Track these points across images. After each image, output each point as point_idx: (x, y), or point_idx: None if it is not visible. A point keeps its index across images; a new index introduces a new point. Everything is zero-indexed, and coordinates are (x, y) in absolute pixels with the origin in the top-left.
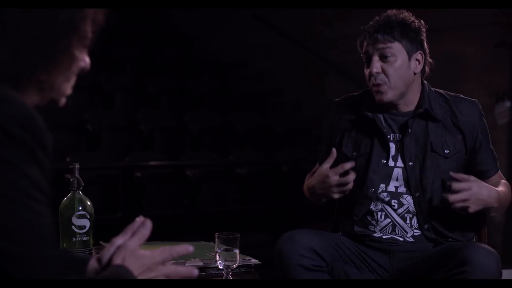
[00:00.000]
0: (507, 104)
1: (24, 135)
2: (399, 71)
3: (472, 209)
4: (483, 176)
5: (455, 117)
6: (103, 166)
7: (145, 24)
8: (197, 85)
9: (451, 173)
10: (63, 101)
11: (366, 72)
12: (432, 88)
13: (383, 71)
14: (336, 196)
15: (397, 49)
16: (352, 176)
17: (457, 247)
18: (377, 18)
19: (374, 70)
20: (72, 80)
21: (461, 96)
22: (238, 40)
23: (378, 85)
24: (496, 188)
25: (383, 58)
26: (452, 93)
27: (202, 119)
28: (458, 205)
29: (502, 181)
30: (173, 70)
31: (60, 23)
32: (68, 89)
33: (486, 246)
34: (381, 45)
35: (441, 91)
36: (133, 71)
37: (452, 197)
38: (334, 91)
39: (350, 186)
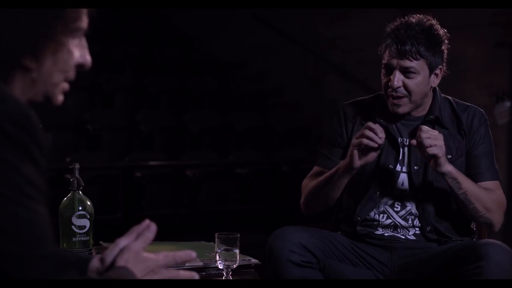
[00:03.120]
0: (507, 104)
1: (19, 133)
2: (419, 87)
3: (437, 149)
4: (473, 180)
5: (460, 123)
6: (103, 166)
7: (145, 24)
8: (197, 85)
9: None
10: (59, 98)
11: (384, 80)
12: (441, 94)
13: (404, 85)
14: (365, 141)
15: (420, 66)
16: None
17: (470, 244)
18: (403, 21)
19: (396, 84)
20: (69, 74)
21: (469, 104)
22: (238, 40)
23: (398, 98)
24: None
25: (405, 73)
26: (460, 101)
27: (202, 119)
28: (428, 141)
29: (495, 189)
30: (173, 70)
31: (42, 7)
32: (63, 83)
33: (501, 243)
34: (407, 63)
35: (449, 97)
36: (133, 71)
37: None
38: (334, 91)
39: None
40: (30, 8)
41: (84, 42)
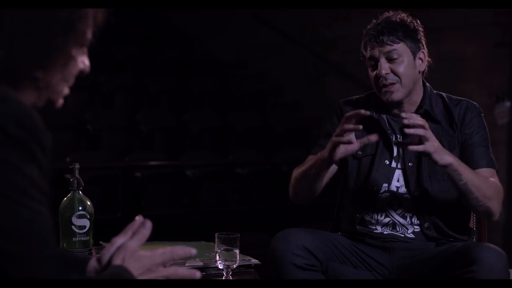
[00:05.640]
0: (507, 104)
1: (22, 134)
2: (407, 70)
3: (428, 146)
4: None
5: (452, 117)
6: (103, 166)
7: (145, 24)
8: (197, 85)
9: (402, 114)
10: (60, 102)
11: (373, 74)
12: (434, 91)
13: (392, 71)
14: (335, 145)
15: (402, 49)
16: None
17: (465, 247)
18: (376, 21)
19: (383, 71)
20: (71, 81)
21: (462, 98)
22: (238, 40)
23: (391, 84)
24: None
25: (390, 60)
26: (454, 96)
27: (202, 119)
28: (418, 131)
29: (491, 176)
30: (173, 70)
31: (57, 20)
32: (65, 89)
33: (494, 246)
34: (388, 48)
35: (443, 93)
36: (133, 71)
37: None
38: (334, 91)
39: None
40: (44, 20)
41: (85, 49)
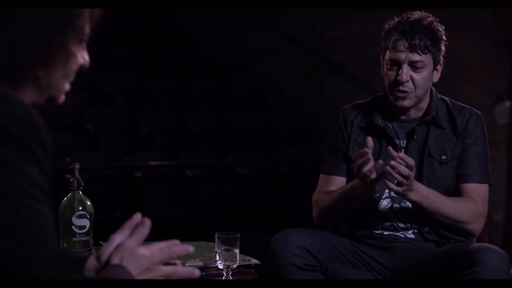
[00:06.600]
0: (507, 104)
1: (23, 134)
2: (425, 81)
3: (404, 190)
4: (459, 180)
5: (455, 125)
6: (103, 166)
7: (145, 24)
8: (197, 85)
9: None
10: (62, 98)
11: (390, 75)
12: (438, 95)
13: (411, 79)
14: (373, 175)
15: (427, 61)
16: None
17: (466, 248)
18: (401, 18)
19: (405, 78)
20: (71, 77)
21: (465, 105)
22: (238, 40)
23: (405, 92)
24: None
25: (413, 68)
26: (457, 102)
27: (202, 119)
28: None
29: (477, 194)
30: (173, 70)
31: (55, 18)
32: (66, 85)
33: (496, 248)
34: (416, 57)
35: (446, 98)
36: (133, 71)
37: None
38: (334, 91)
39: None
40: (43, 19)
41: (84, 44)
